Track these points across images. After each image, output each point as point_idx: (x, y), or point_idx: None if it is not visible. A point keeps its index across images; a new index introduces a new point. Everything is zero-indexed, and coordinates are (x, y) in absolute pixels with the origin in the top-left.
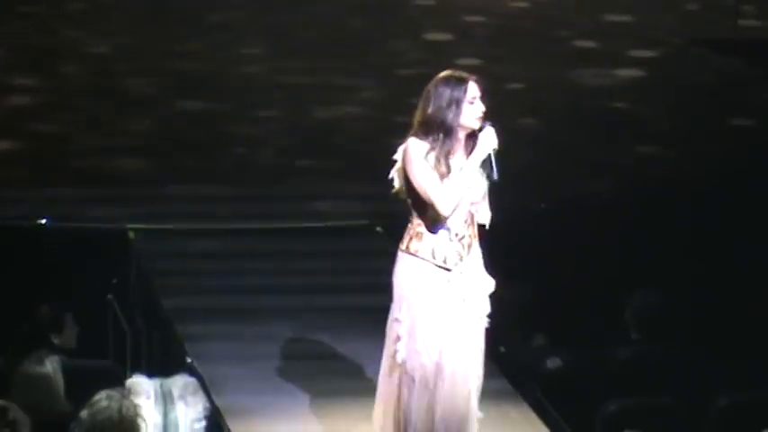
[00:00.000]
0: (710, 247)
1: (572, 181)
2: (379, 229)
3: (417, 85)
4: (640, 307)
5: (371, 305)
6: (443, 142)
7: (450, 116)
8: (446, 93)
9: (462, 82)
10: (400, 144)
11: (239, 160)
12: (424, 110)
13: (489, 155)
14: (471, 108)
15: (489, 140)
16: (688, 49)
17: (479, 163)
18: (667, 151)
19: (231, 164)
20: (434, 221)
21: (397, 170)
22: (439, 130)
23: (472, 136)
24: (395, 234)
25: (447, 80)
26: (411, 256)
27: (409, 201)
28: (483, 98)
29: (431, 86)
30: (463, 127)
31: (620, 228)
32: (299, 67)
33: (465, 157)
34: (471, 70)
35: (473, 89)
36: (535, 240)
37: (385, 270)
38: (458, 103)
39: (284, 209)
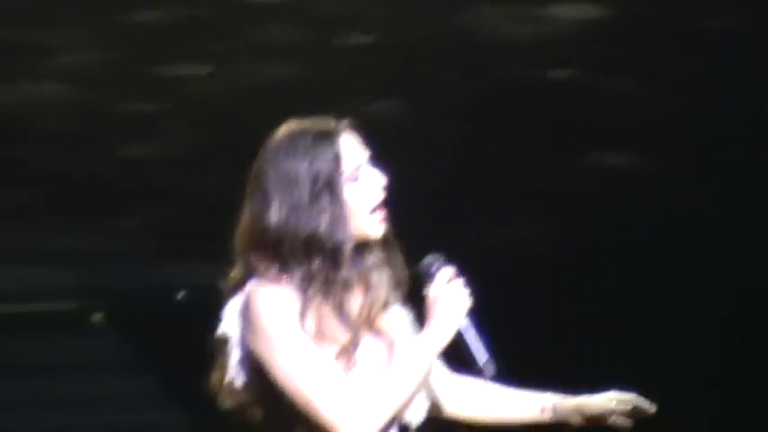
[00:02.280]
0: None
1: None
2: (97, 316)
3: (168, 43)
4: None
5: None
6: (328, 282)
7: (324, 225)
8: (301, 174)
9: (326, 138)
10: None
11: None
12: (262, 217)
13: (461, 334)
14: (358, 189)
15: (454, 304)
16: None
17: (439, 348)
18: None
19: None
20: None
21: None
22: (310, 256)
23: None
24: (125, 325)
25: (293, 142)
26: None
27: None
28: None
29: (265, 162)
30: (354, 237)
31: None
32: None
33: (361, 293)
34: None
35: (350, 146)
36: None
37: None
38: (331, 188)
39: None
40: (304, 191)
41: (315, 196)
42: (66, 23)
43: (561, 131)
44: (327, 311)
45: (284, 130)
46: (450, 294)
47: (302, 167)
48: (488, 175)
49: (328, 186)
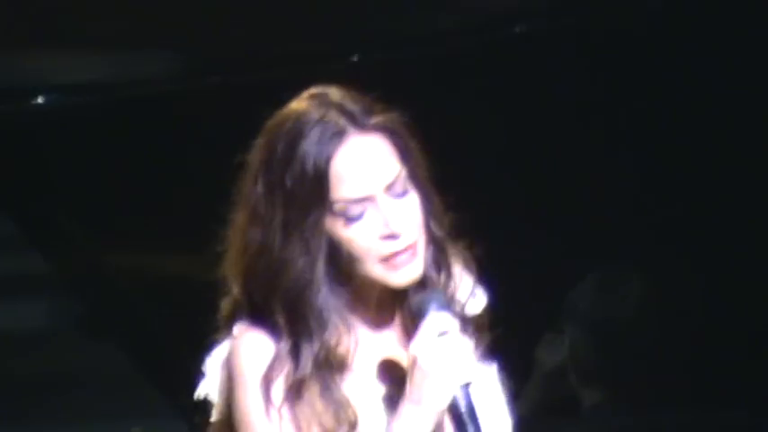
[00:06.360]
0: None
1: None
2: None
3: None
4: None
5: None
6: (304, 341)
7: (292, 267)
8: (275, 186)
9: (321, 138)
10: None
11: None
12: (243, 238)
13: (458, 403)
14: (357, 231)
15: (446, 371)
16: None
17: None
18: None
19: None
20: None
21: (221, 394)
22: (271, 303)
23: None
24: None
25: (282, 131)
26: None
27: None
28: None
29: (258, 150)
30: (363, 284)
31: None
32: None
33: (404, 344)
34: None
35: (359, 160)
36: None
37: None
38: (304, 220)
39: None
40: (278, 212)
41: (285, 224)
42: None
43: None
44: (307, 385)
45: (293, 106)
46: (442, 356)
47: (275, 178)
48: None
49: (302, 216)
